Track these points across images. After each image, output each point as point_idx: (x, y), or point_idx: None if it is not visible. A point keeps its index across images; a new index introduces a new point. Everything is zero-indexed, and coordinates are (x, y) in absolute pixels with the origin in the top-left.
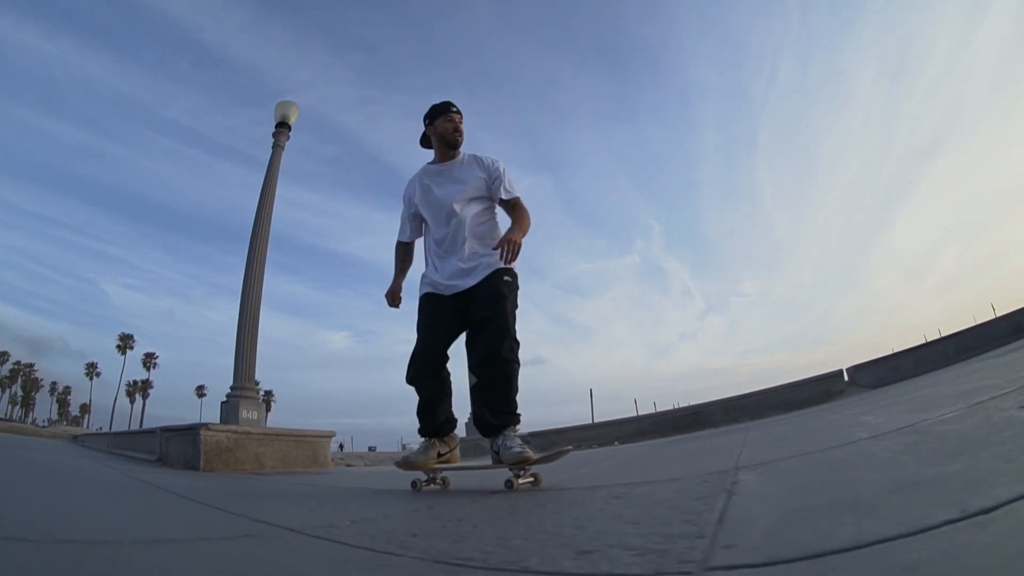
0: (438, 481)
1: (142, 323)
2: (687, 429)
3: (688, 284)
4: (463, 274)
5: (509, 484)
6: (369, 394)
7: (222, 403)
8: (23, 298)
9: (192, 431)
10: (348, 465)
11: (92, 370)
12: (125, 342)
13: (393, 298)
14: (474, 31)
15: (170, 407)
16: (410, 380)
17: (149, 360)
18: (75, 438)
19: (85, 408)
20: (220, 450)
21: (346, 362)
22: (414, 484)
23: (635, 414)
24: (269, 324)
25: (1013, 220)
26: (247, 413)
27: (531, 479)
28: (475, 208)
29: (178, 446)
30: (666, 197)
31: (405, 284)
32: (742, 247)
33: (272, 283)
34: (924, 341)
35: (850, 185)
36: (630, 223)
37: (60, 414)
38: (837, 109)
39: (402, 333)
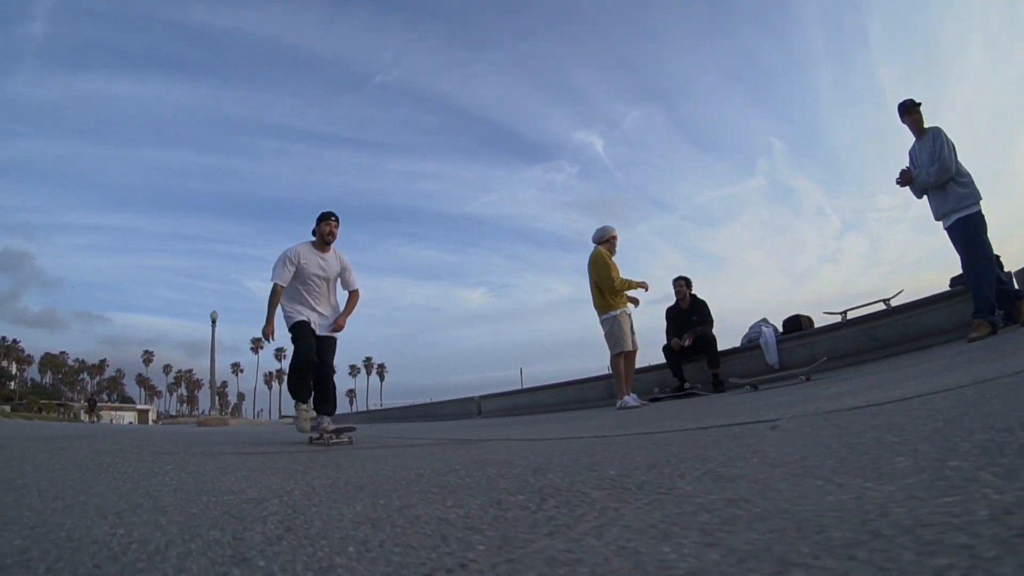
0: (324, 439)
1: None
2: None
3: (821, 202)
4: (326, 323)
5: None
6: (510, 345)
7: (209, 409)
8: (178, 308)
9: (195, 418)
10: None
11: (236, 368)
12: (257, 343)
13: (272, 334)
14: None
15: None
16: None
17: (280, 353)
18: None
19: (242, 396)
20: (201, 425)
21: (485, 317)
22: (310, 440)
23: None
24: (406, 292)
25: None
26: (214, 413)
27: (345, 439)
28: (333, 285)
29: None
30: (783, 112)
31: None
32: (873, 157)
33: (405, 252)
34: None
35: (983, 73)
36: (749, 143)
37: (220, 404)
38: None
39: (541, 283)
